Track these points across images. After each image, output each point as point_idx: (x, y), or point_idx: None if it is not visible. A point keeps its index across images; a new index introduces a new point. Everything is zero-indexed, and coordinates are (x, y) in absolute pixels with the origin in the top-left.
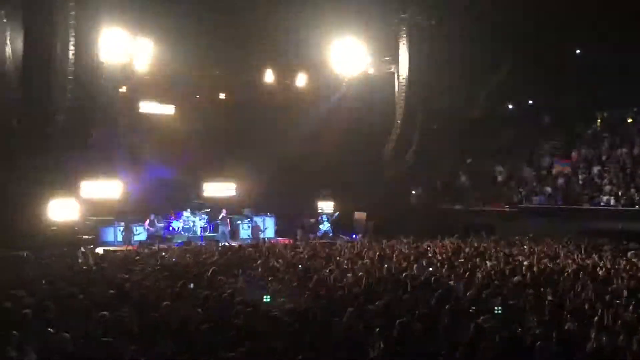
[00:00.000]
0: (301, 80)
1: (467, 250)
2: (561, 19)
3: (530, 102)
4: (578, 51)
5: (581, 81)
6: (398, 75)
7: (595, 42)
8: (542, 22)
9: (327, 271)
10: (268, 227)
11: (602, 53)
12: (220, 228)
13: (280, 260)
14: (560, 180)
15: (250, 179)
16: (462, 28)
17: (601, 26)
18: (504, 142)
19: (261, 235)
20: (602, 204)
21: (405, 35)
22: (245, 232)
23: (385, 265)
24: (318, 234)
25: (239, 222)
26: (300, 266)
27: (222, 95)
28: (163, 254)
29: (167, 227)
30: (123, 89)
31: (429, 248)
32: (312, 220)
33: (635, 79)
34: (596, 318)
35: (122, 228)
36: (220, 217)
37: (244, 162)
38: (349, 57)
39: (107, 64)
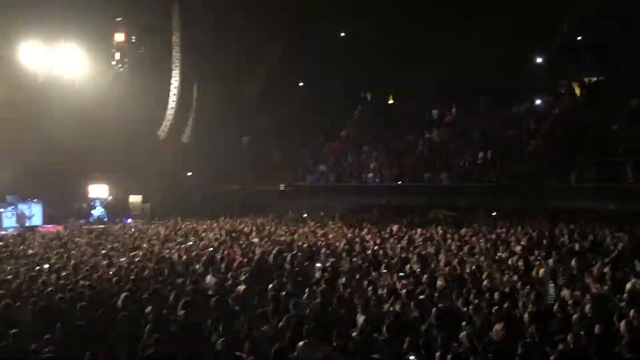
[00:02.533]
0: None
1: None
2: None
3: (301, 83)
4: (342, 34)
5: (347, 64)
6: (172, 52)
7: (358, 27)
8: (307, 6)
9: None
10: (35, 214)
11: (366, 37)
12: None
13: None
14: (331, 160)
15: (11, 163)
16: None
17: (364, 14)
18: (278, 124)
19: (27, 223)
20: (369, 180)
21: (178, 12)
22: (9, 220)
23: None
24: (91, 219)
25: (1, 209)
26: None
27: None
28: None
29: None
30: None
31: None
32: (84, 205)
33: (395, 62)
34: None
35: None
36: None
37: (4, 145)
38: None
39: None
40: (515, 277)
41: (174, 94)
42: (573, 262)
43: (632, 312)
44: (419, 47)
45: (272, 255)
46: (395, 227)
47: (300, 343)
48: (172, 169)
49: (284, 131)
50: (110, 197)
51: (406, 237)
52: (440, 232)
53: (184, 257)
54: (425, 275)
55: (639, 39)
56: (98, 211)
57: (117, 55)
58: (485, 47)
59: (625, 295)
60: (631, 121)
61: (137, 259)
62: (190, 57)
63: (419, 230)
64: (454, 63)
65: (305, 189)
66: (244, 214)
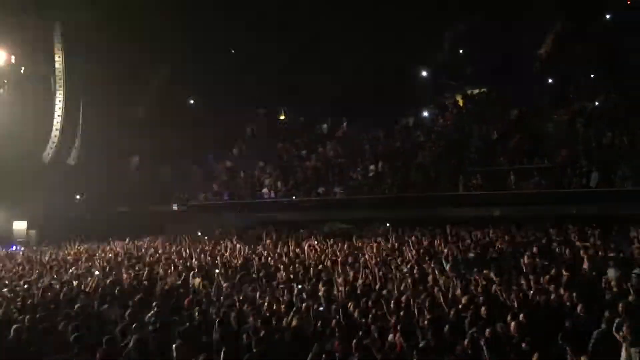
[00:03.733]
0: None
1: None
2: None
3: (191, 101)
4: (232, 51)
5: (238, 80)
6: (54, 75)
7: (248, 43)
8: (195, 26)
9: None
10: None
11: (256, 53)
12: None
13: None
14: (225, 177)
15: None
16: (118, 30)
17: (253, 30)
18: (169, 142)
19: None
20: (264, 196)
21: (60, 34)
22: None
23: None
24: None
25: None
26: None
27: None
28: None
29: None
30: None
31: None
32: None
33: (285, 78)
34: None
35: None
36: None
37: None
38: None
39: None
40: (410, 285)
41: (59, 115)
42: (464, 268)
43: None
44: (307, 62)
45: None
46: (291, 242)
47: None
48: (59, 193)
49: (175, 150)
50: None
51: (302, 252)
52: (336, 244)
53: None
54: (322, 288)
55: (518, 51)
56: None
57: None
58: (372, 61)
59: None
60: (511, 130)
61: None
62: (74, 78)
63: (315, 244)
64: (342, 77)
65: (199, 208)
66: (138, 235)
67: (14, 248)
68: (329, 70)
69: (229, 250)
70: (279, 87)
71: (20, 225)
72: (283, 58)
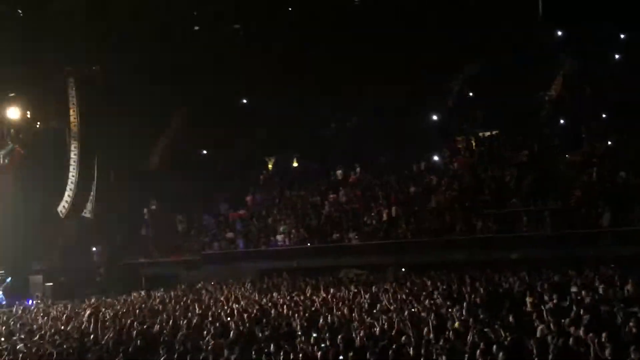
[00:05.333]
0: None
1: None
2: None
3: (205, 151)
4: (244, 101)
5: (249, 129)
6: (69, 130)
7: (257, 94)
8: (208, 75)
9: None
10: None
11: (265, 104)
12: None
13: None
14: (239, 226)
15: None
16: (130, 82)
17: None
18: (182, 192)
19: None
20: (278, 243)
21: (73, 89)
22: None
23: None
24: None
25: None
26: None
27: None
28: None
29: None
30: None
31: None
32: None
33: (297, 126)
34: None
35: None
36: None
37: None
38: (14, 110)
39: None
40: (429, 331)
41: (73, 169)
42: (482, 313)
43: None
44: (319, 108)
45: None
46: (307, 290)
47: None
48: (75, 246)
49: (188, 200)
50: (9, 279)
51: (318, 300)
52: (353, 291)
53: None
54: (339, 337)
55: (526, 92)
56: None
57: (12, 132)
58: (383, 107)
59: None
60: (523, 172)
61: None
62: (88, 131)
63: (331, 290)
64: (354, 124)
65: (214, 256)
66: (153, 287)
67: (30, 302)
68: (340, 118)
69: (245, 300)
70: (291, 134)
71: (36, 279)
72: (295, 105)
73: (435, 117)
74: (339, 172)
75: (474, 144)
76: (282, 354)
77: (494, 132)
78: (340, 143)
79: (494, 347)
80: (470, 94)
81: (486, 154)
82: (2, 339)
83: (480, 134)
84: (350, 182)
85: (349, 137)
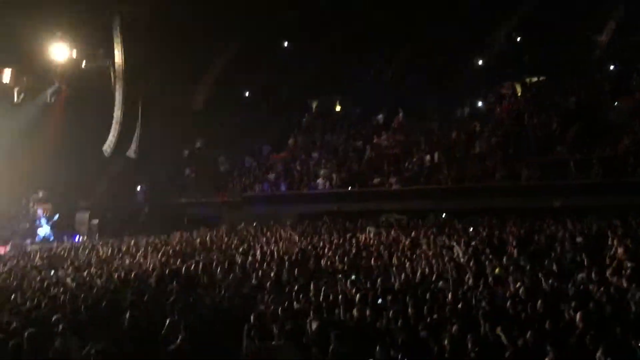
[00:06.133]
0: (7, 75)
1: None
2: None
3: (247, 93)
4: (286, 44)
5: (293, 72)
6: (114, 68)
7: (299, 37)
8: (253, 16)
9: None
10: None
11: (307, 46)
12: None
13: None
14: (280, 168)
15: None
16: (175, 22)
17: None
18: (225, 133)
19: None
20: (319, 187)
21: (119, 27)
22: None
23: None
24: (37, 239)
25: None
26: None
27: None
28: None
29: None
30: None
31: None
32: (28, 224)
33: (343, 70)
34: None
35: None
36: None
37: None
38: (60, 50)
39: None
40: (468, 277)
41: (118, 108)
42: (523, 260)
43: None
44: (362, 52)
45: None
46: (347, 234)
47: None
48: (120, 184)
49: (231, 142)
50: (57, 216)
51: (358, 242)
52: (393, 235)
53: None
54: (378, 280)
55: (574, 39)
56: (44, 230)
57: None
58: (428, 51)
59: (572, 288)
60: (570, 119)
61: None
62: (133, 70)
63: (371, 234)
64: (398, 68)
65: (255, 199)
66: (195, 227)
67: (76, 238)
68: (384, 61)
69: (285, 241)
70: (334, 78)
71: (82, 216)
72: (338, 49)
73: (480, 62)
74: (380, 116)
75: (519, 90)
76: (321, 295)
77: (540, 78)
78: (383, 87)
79: (535, 294)
80: (518, 38)
81: (532, 100)
82: (52, 273)
83: (527, 80)
84: (393, 126)
85: (392, 82)
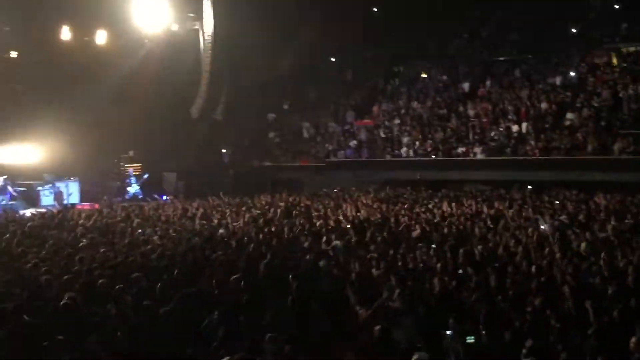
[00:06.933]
0: (101, 37)
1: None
2: None
3: (333, 59)
4: (375, 9)
5: (379, 39)
6: (203, 32)
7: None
8: None
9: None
10: (72, 192)
11: (395, 13)
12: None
13: None
14: (364, 134)
15: (49, 141)
16: None
17: None
18: (310, 99)
19: (65, 202)
20: (402, 154)
21: None
22: (47, 198)
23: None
24: (126, 196)
25: (39, 188)
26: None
27: (13, 54)
28: None
29: None
30: None
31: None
32: (119, 183)
33: (429, 38)
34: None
35: None
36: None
37: (41, 123)
38: (151, 13)
39: None
40: (552, 251)
41: (206, 71)
42: (612, 236)
43: None
44: (449, 20)
45: None
46: (430, 202)
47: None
48: (206, 147)
49: (315, 107)
50: (146, 175)
51: (441, 212)
52: (475, 206)
53: None
54: (460, 251)
55: None
56: (133, 189)
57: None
58: (517, 19)
59: None
60: None
61: None
62: (221, 34)
63: (453, 204)
64: (485, 36)
65: (337, 164)
66: (277, 191)
67: (164, 198)
68: (470, 29)
69: (367, 208)
70: (421, 45)
71: (170, 177)
72: (424, 16)
73: (574, 30)
74: (466, 84)
75: (615, 60)
76: (399, 261)
77: (638, 47)
78: (471, 55)
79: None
80: (616, 5)
81: (628, 70)
82: (139, 230)
83: (623, 49)
84: (479, 95)
85: (480, 49)
